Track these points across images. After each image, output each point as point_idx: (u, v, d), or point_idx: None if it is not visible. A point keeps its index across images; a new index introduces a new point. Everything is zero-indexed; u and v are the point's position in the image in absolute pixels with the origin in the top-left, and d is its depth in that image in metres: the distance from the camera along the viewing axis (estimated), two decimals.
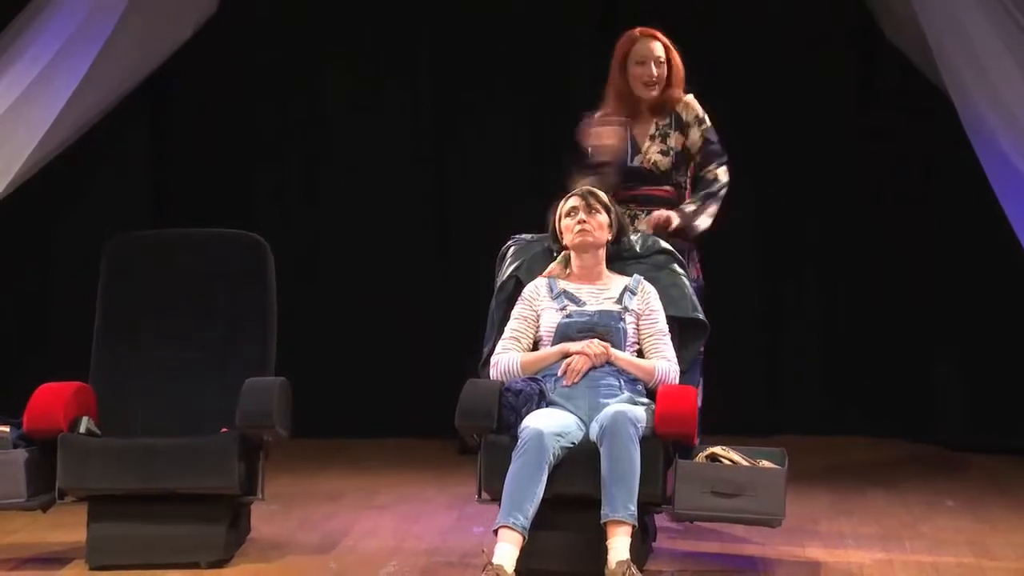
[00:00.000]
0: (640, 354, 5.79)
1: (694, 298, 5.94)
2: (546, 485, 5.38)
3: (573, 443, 5.50)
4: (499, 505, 5.38)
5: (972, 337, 8.19)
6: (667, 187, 6.29)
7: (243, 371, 5.84)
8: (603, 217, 5.82)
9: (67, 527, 6.06)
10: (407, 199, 8.57)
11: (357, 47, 8.47)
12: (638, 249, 6.02)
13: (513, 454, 5.41)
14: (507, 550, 5.28)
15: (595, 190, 5.89)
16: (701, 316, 5.92)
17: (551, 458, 5.41)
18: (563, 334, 5.75)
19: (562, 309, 5.79)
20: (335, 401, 8.20)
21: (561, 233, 5.87)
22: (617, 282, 5.87)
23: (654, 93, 6.30)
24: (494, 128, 8.45)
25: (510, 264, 6.04)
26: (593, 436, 5.48)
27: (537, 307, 5.84)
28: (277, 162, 8.56)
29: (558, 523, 5.44)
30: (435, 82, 8.45)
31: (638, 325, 5.80)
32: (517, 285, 5.97)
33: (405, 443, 8.24)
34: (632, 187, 6.29)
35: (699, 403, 5.76)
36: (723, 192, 6.28)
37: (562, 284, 5.86)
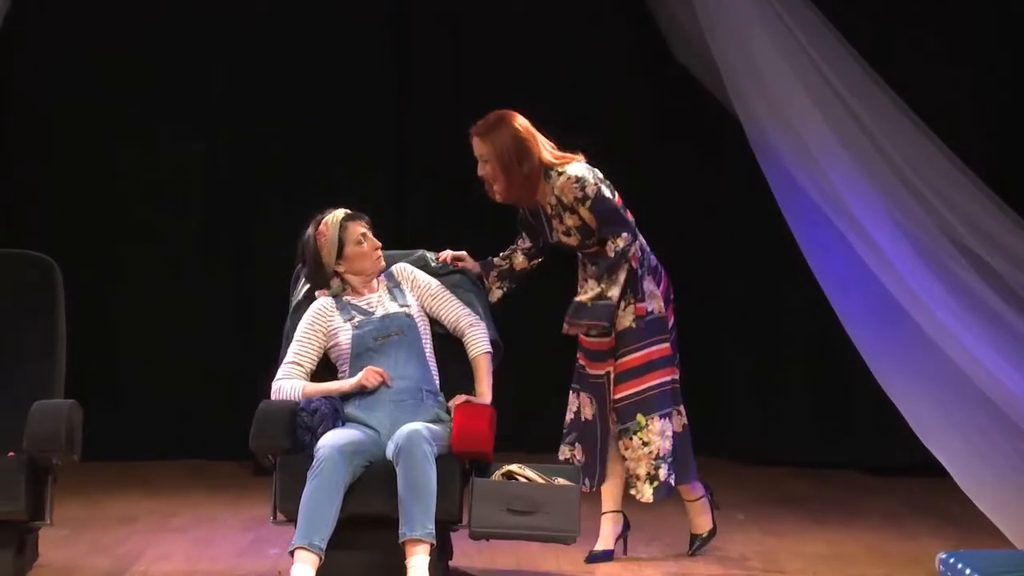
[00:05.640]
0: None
1: (488, 317, 5.97)
2: (343, 505, 5.36)
3: (370, 462, 5.49)
4: (295, 526, 5.35)
5: (760, 351, 8.38)
6: (590, 249, 6.07)
7: (30, 393, 5.70)
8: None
9: None
10: (205, 217, 8.49)
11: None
12: (433, 267, 6.06)
13: (309, 474, 5.38)
14: (304, 571, 5.25)
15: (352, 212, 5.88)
16: (495, 335, 5.95)
17: (347, 477, 5.39)
18: (361, 345, 5.73)
19: (350, 319, 5.77)
20: (128, 423, 8.07)
21: (344, 258, 5.82)
22: (381, 284, 5.90)
23: (499, 198, 6.02)
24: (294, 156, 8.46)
25: (305, 284, 6.01)
26: (389, 455, 5.47)
27: (328, 326, 5.80)
28: (78, 182, 8.41)
29: (355, 543, 5.43)
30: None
31: (422, 305, 5.83)
32: None
33: (200, 464, 8.14)
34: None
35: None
36: (620, 259, 5.98)
37: (346, 298, 5.86)
